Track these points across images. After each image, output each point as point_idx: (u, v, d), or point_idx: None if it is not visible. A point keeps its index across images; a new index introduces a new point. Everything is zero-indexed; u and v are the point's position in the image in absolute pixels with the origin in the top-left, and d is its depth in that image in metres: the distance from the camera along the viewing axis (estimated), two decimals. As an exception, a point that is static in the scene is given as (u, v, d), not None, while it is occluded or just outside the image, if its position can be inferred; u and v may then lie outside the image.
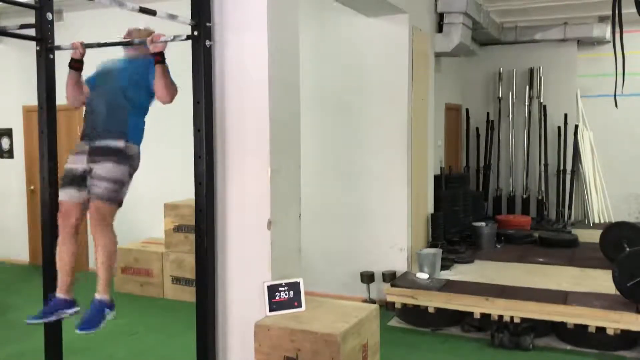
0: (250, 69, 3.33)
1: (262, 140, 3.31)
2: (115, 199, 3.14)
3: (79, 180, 3.12)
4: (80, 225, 3.18)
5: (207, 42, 3.27)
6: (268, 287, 3.28)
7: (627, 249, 5.29)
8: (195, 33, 3.24)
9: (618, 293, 4.75)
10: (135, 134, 3.28)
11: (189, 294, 5.59)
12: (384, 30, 5.88)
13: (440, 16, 6.88)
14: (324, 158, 6.14)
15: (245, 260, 3.37)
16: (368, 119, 6.00)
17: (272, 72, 3.31)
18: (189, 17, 3.23)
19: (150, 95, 3.21)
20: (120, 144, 3.16)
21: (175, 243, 6.23)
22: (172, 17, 3.09)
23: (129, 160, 3.22)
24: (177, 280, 6.21)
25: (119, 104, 3.16)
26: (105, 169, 3.11)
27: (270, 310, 3.28)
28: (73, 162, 3.15)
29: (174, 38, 3.21)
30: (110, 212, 3.15)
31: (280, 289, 3.30)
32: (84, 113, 3.28)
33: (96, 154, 3.13)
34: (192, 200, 3.36)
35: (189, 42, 3.26)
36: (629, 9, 4.41)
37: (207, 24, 3.27)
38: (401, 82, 5.86)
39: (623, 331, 4.53)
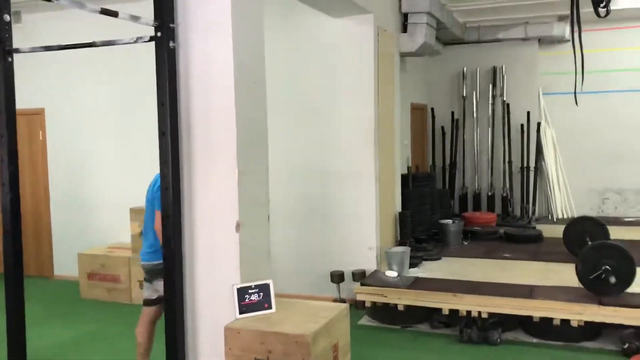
0: (215, 70, 3.30)
1: (229, 142, 3.29)
2: None
3: None
4: None
5: (171, 44, 3.23)
6: (237, 289, 3.26)
7: (589, 243, 5.41)
8: (159, 34, 3.19)
9: (581, 286, 4.86)
10: None
11: (157, 299, 5.52)
12: (349, 30, 5.90)
13: (405, 16, 6.96)
14: (291, 158, 6.13)
15: (214, 263, 3.35)
16: (335, 119, 6.02)
17: (237, 73, 3.29)
18: (152, 18, 3.19)
19: None
20: None
21: (143, 247, 6.14)
22: (135, 18, 3.05)
23: None
24: (144, 285, 6.12)
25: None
26: None
27: (240, 312, 3.25)
28: None
29: (137, 40, 3.17)
30: None
31: (250, 291, 3.28)
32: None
33: None
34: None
35: (153, 43, 3.22)
36: (586, 9, 4.53)
37: (171, 25, 3.23)
38: (367, 82, 5.90)
39: (586, 323, 4.64)
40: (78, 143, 7.12)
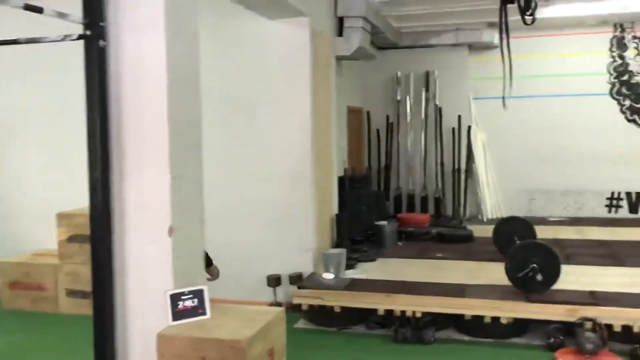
0: (147, 70, 3.21)
1: (161, 145, 3.20)
2: None
3: None
4: None
5: (101, 42, 3.12)
6: (170, 295, 3.18)
7: (517, 242, 5.61)
8: (88, 32, 3.08)
9: (510, 284, 5.03)
10: None
11: (86, 307, 5.28)
12: (285, 33, 5.90)
13: (340, 20, 7.01)
14: (227, 161, 6.06)
15: (146, 269, 3.25)
16: (272, 121, 5.99)
17: (170, 74, 3.21)
18: (81, 15, 3.07)
19: None
20: None
21: (70, 254, 5.90)
22: (62, 15, 2.93)
23: None
24: (72, 293, 5.88)
25: None
26: None
27: (174, 319, 3.18)
28: None
29: (64, 38, 3.05)
30: None
31: (184, 297, 3.21)
32: None
33: None
34: (87, 208, 3.20)
35: (82, 41, 3.10)
36: (514, 17, 4.70)
37: (100, 24, 3.12)
38: (303, 85, 5.91)
39: (515, 320, 4.81)
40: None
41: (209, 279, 3.83)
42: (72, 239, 5.88)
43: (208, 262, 3.83)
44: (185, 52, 3.39)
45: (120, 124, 3.23)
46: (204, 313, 3.25)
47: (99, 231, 3.13)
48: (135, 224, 3.25)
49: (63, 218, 5.94)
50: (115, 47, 3.21)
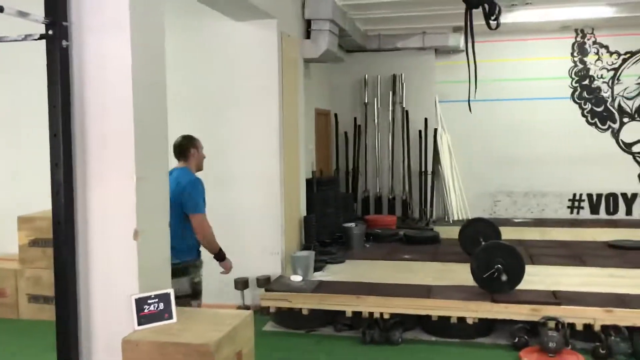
0: (112, 70, 3.15)
1: (126, 146, 3.15)
2: None
3: None
4: None
5: (64, 43, 3.05)
6: (136, 300, 3.12)
7: (482, 243, 5.69)
8: (50, 32, 3.01)
9: (476, 284, 5.10)
10: None
11: (48, 313, 5.19)
12: (253, 34, 5.88)
13: (308, 23, 7.02)
14: (194, 163, 5.99)
15: (111, 273, 3.19)
16: (239, 123, 5.96)
17: (135, 74, 3.16)
18: (43, 14, 3.00)
19: None
20: None
21: (32, 259, 5.77)
22: (23, 14, 2.86)
23: None
24: (34, 298, 5.75)
25: None
26: None
27: (139, 324, 3.12)
28: None
29: (26, 37, 2.98)
30: None
31: (149, 301, 3.16)
32: None
33: None
34: (49, 211, 3.12)
35: (43, 41, 3.03)
36: (479, 21, 4.78)
37: (64, 23, 3.06)
38: (271, 87, 5.89)
39: (481, 319, 4.88)
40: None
41: (222, 272, 4.39)
42: (33, 242, 5.75)
43: (222, 255, 4.31)
44: (151, 53, 3.35)
45: (83, 126, 3.17)
46: (170, 317, 3.21)
47: (62, 234, 3.06)
48: (99, 227, 3.19)
49: (24, 221, 5.80)
50: (78, 48, 3.15)
